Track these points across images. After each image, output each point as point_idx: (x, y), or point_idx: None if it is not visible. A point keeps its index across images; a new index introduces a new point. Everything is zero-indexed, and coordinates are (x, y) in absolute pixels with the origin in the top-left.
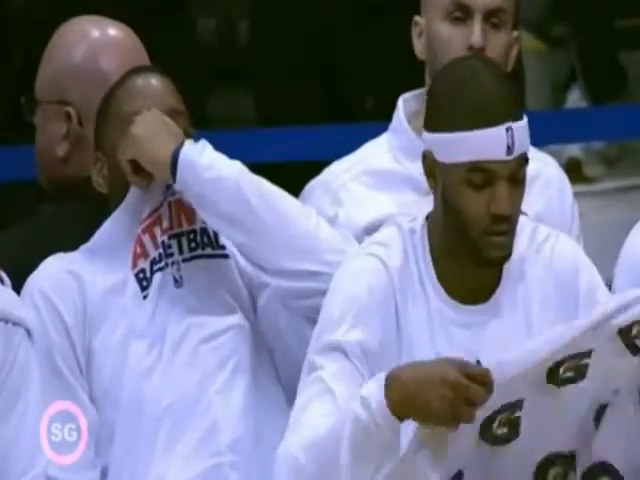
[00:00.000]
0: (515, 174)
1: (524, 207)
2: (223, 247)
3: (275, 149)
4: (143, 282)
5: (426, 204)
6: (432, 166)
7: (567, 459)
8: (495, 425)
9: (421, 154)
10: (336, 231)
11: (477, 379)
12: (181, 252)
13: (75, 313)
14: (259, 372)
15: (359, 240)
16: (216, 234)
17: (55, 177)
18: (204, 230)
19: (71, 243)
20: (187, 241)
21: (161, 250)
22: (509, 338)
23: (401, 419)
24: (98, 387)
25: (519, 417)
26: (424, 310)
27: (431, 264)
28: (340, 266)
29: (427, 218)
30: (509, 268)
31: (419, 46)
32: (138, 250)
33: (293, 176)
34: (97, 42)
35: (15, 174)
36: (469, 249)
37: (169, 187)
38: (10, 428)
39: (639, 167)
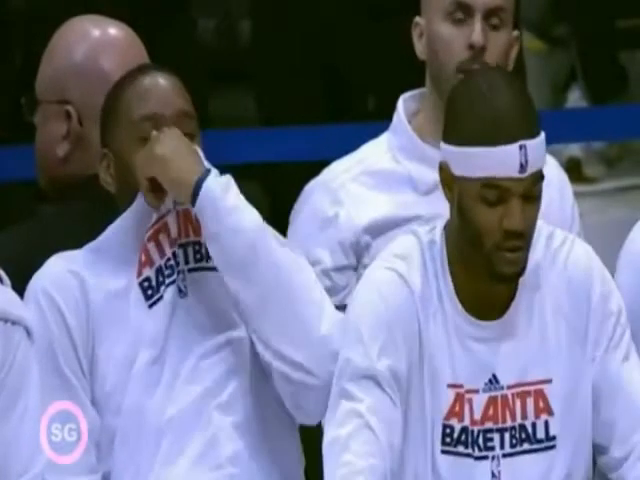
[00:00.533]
0: (529, 191)
1: None
2: None
3: (276, 149)
4: (148, 291)
5: (425, 204)
6: (448, 177)
7: None
8: None
9: (438, 165)
10: (339, 314)
11: None
12: (187, 262)
13: (77, 314)
14: (260, 386)
15: (359, 240)
16: None
17: (55, 177)
18: None
19: (72, 243)
20: (193, 252)
21: (172, 262)
22: (525, 352)
23: None
24: (100, 392)
25: None
26: (442, 325)
27: (449, 278)
28: (362, 279)
29: (445, 228)
30: (525, 279)
31: (420, 47)
32: (143, 258)
33: (294, 176)
34: (97, 42)
35: (15, 174)
36: (483, 263)
37: None
38: (10, 427)
39: (639, 167)
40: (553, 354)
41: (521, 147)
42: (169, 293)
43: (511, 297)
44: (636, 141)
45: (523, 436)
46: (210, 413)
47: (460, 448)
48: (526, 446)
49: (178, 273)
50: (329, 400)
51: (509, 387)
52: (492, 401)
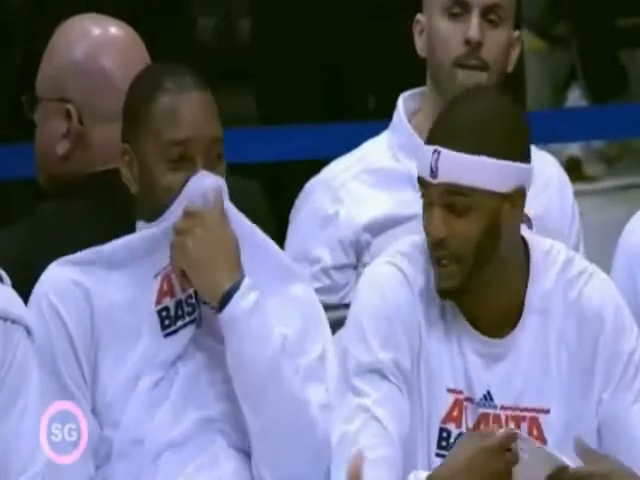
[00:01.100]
0: (448, 200)
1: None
2: None
3: (276, 148)
4: (165, 320)
5: None
6: None
7: None
8: None
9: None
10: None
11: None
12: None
13: (80, 322)
14: None
15: (360, 238)
16: None
17: (55, 175)
18: None
19: (72, 242)
20: None
21: (193, 299)
22: (523, 377)
23: None
24: (101, 402)
25: None
26: (443, 330)
27: None
28: (364, 273)
29: None
30: (531, 302)
31: (420, 43)
32: (165, 287)
33: (294, 175)
34: (98, 40)
35: (15, 172)
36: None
37: None
38: (9, 426)
39: (639, 166)
40: (553, 383)
41: (434, 151)
42: (187, 330)
43: (517, 318)
44: (636, 140)
45: None
46: (213, 436)
47: None
48: None
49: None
50: (335, 397)
51: (503, 408)
52: (484, 417)
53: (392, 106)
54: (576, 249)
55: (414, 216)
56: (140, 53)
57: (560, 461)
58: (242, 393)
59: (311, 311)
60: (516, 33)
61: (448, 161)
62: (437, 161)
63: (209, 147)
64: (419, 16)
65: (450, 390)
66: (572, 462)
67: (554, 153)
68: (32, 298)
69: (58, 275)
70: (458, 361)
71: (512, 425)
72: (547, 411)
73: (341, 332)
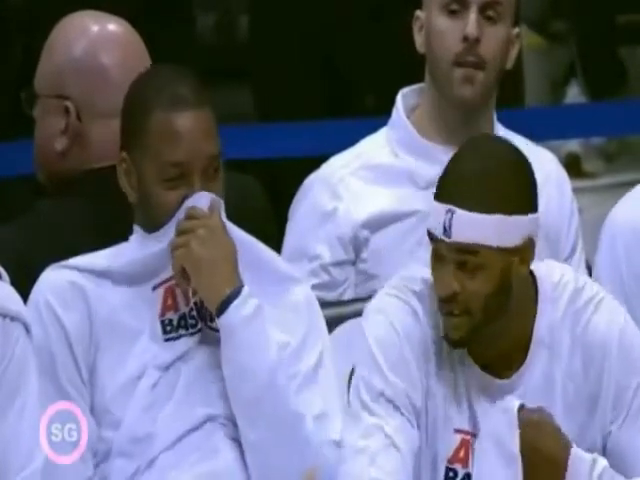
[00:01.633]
0: (460, 258)
1: None
2: None
3: (274, 145)
4: (167, 327)
5: (424, 199)
6: None
7: None
8: None
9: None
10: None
11: None
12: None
13: (79, 326)
14: None
15: (358, 234)
16: None
17: (53, 171)
18: None
19: (70, 239)
20: None
21: (195, 312)
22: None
23: None
24: (99, 403)
25: None
26: (450, 370)
27: None
28: (376, 302)
29: None
30: (540, 336)
31: (419, 40)
32: (169, 302)
33: (293, 172)
34: (97, 37)
35: (14, 169)
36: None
37: None
38: (9, 424)
39: (638, 162)
40: (559, 420)
41: (448, 211)
42: (189, 340)
43: (523, 354)
44: (635, 136)
45: None
46: (214, 430)
47: None
48: None
49: (201, 320)
50: (349, 418)
51: None
52: None
53: (390, 104)
54: (575, 246)
55: (413, 212)
56: (139, 50)
57: None
58: (236, 402)
59: (311, 316)
60: (516, 30)
61: (462, 221)
62: (451, 220)
63: (206, 165)
64: (418, 12)
65: (457, 430)
66: None
67: (553, 149)
68: (30, 299)
69: (56, 277)
70: (465, 401)
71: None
72: None
73: (338, 332)
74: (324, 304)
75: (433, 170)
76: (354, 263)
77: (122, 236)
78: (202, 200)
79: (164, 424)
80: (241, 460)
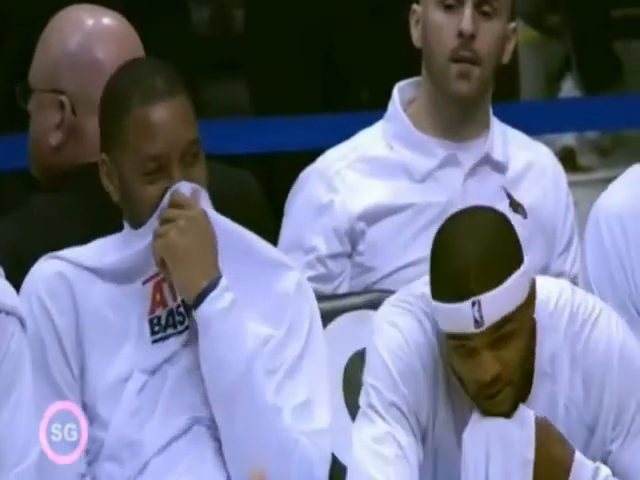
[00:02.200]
0: (495, 339)
1: (518, 197)
2: None
3: (270, 139)
4: (155, 327)
5: (420, 191)
6: None
7: None
8: None
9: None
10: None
11: None
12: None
13: (66, 318)
14: None
15: (354, 227)
16: None
17: (47, 166)
18: None
19: (63, 234)
20: None
21: (182, 308)
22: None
23: None
24: (89, 401)
25: None
26: (457, 404)
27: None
28: (386, 313)
29: None
30: (542, 368)
31: (416, 34)
32: (157, 298)
33: (288, 166)
34: (92, 31)
35: (8, 164)
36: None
37: None
38: (3, 419)
39: (633, 156)
40: None
41: (474, 303)
42: (177, 339)
43: (527, 388)
44: (630, 131)
45: None
46: (201, 435)
47: None
48: None
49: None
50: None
51: None
52: None
53: (386, 98)
54: (570, 240)
55: (409, 205)
56: (134, 44)
57: None
58: (213, 396)
59: (300, 303)
60: (512, 25)
61: (490, 305)
62: (480, 311)
63: (184, 153)
64: (415, 6)
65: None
66: None
67: (548, 143)
68: (22, 290)
69: (46, 267)
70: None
71: None
72: None
73: (332, 325)
74: (320, 297)
75: (429, 163)
76: (350, 256)
77: (116, 231)
78: (183, 190)
79: (152, 430)
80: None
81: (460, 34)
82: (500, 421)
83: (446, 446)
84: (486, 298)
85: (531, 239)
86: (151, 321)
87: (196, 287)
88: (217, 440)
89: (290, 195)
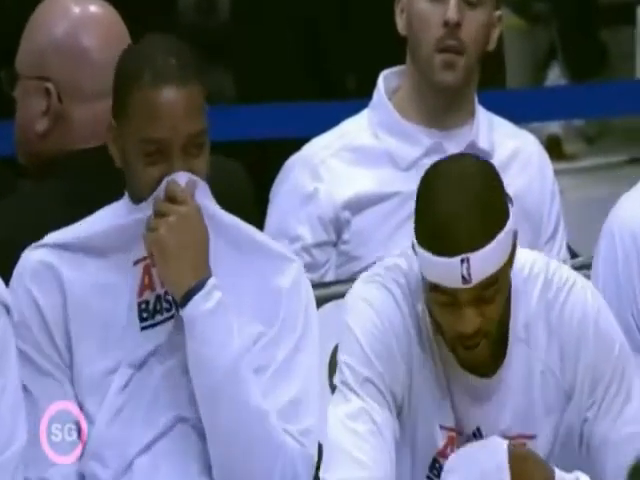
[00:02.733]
0: (480, 295)
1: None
2: None
3: (255, 126)
4: (143, 313)
5: (405, 180)
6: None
7: None
8: None
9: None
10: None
11: None
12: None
13: (54, 307)
14: None
15: (339, 216)
16: None
17: (34, 153)
18: None
19: (48, 222)
20: None
21: (170, 296)
22: (511, 410)
23: None
24: (79, 396)
25: None
26: (432, 373)
27: (438, 329)
28: (358, 289)
29: None
30: (515, 334)
31: (401, 22)
32: (146, 281)
33: (274, 153)
34: (78, 18)
35: None
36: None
37: None
38: None
39: (619, 144)
40: (539, 413)
41: (463, 260)
42: (165, 327)
43: (502, 351)
44: (616, 118)
45: None
46: (186, 434)
47: None
48: None
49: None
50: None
51: None
52: None
53: (373, 86)
54: (556, 228)
55: (394, 194)
56: (120, 31)
57: None
58: (198, 394)
59: (295, 299)
60: (497, 13)
61: (479, 262)
62: (468, 268)
63: (188, 143)
64: None
65: (443, 427)
66: None
67: (534, 132)
68: (11, 281)
69: (32, 258)
70: (447, 399)
71: None
72: (534, 437)
73: (319, 313)
74: None
75: (414, 152)
76: (335, 244)
77: None
78: (180, 180)
79: (136, 428)
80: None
81: (445, 23)
82: (474, 452)
83: (423, 415)
84: (475, 256)
85: (517, 227)
86: (139, 306)
87: (183, 286)
88: (202, 440)
89: (275, 183)
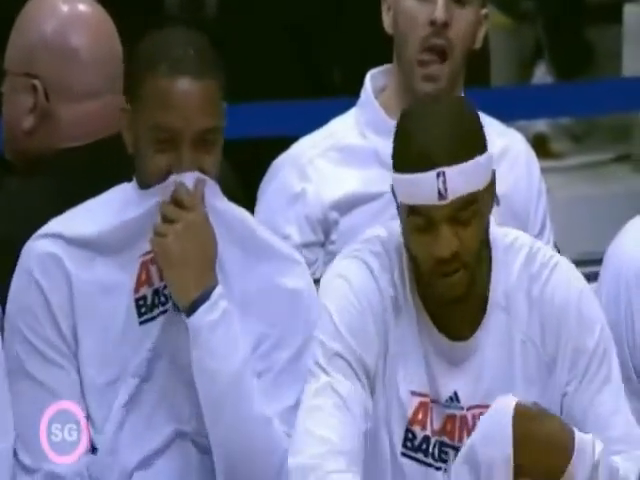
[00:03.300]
0: (458, 215)
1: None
2: None
3: (243, 125)
4: (142, 308)
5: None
6: (397, 203)
7: None
8: None
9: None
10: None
11: None
12: None
13: (61, 298)
14: None
15: (327, 216)
16: None
17: (21, 150)
18: None
19: (35, 219)
20: None
21: (167, 290)
22: (489, 377)
23: None
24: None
25: None
26: (409, 333)
27: (416, 292)
28: (334, 265)
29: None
30: (494, 300)
31: (387, 20)
32: (143, 277)
33: (262, 152)
34: (66, 17)
35: None
36: (427, 286)
37: None
38: None
39: (606, 143)
40: (517, 381)
41: (439, 174)
42: (160, 319)
43: (480, 317)
44: (603, 117)
45: None
46: (186, 447)
47: (420, 455)
48: None
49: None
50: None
51: (469, 408)
52: (450, 419)
53: (360, 78)
54: (543, 226)
55: (382, 194)
56: (109, 30)
57: None
58: (203, 403)
59: (300, 302)
60: (484, 10)
61: (455, 177)
62: (444, 182)
63: (198, 137)
64: None
65: (414, 393)
66: None
67: (521, 130)
68: (16, 271)
69: (38, 249)
70: (422, 363)
71: (478, 423)
72: None
73: None
74: None
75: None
76: (323, 245)
77: None
78: (188, 181)
79: (135, 442)
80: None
81: (432, 22)
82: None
83: (396, 384)
84: (452, 170)
85: (503, 225)
86: (137, 302)
87: (189, 297)
88: (202, 454)
89: (263, 182)
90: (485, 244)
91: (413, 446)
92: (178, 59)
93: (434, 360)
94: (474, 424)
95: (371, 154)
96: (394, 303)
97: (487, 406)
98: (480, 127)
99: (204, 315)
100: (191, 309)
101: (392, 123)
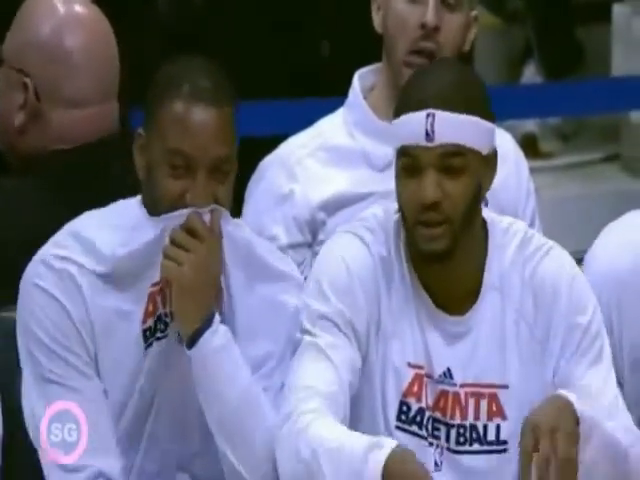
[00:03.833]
0: (445, 162)
1: None
2: None
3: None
4: (149, 339)
5: (380, 181)
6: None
7: None
8: None
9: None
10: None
11: None
12: None
13: (79, 310)
14: None
15: (315, 217)
16: None
17: (12, 146)
18: None
19: (25, 219)
20: None
21: (168, 318)
22: (483, 355)
23: None
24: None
25: None
26: (405, 304)
27: (413, 269)
28: (326, 244)
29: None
30: (489, 280)
31: (377, 20)
32: (150, 308)
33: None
34: (63, 18)
35: None
36: (411, 242)
37: None
38: None
39: (595, 142)
40: (511, 361)
41: (428, 115)
42: (158, 344)
43: (475, 297)
44: (591, 117)
45: (474, 436)
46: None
47: (414, 428)
48: (476, 446)
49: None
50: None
51: (462, 385)
52: (443, 395)
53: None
54: (532, 226)
55: (370, 194)
56: (105, 32)
57: None
58: (211, 423)
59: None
60: (473, 13)
61: (444, 122)
62: (433, 124)
63: (214, 166)
64: None
65: (411, 365)
66: None
67: (509, 129)
68: (23, 290)
69: (54, 267)
70: (418, 337)
71: (472, 402)
72: (506, 387)
73: None
74: None
75: (390, 152)
76: (310, 245)
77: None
78: (205, 217)
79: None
80: None
81: (423, 26)
82: None
83: (392, 355)
84: (442, 114)
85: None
86: (144, 333)
87: (192, 326)
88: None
89: (251, 182)
90: (481, 223)
91: (407, 418)
92: (196, 86)
93: (430, 335)
94: (467, 402)
95: (359, 155)
96: (388, 276)
97: (481, 385)
98: (485, 96)
99: (207, 342)
100: (193, 338)
101: (380, 124)
